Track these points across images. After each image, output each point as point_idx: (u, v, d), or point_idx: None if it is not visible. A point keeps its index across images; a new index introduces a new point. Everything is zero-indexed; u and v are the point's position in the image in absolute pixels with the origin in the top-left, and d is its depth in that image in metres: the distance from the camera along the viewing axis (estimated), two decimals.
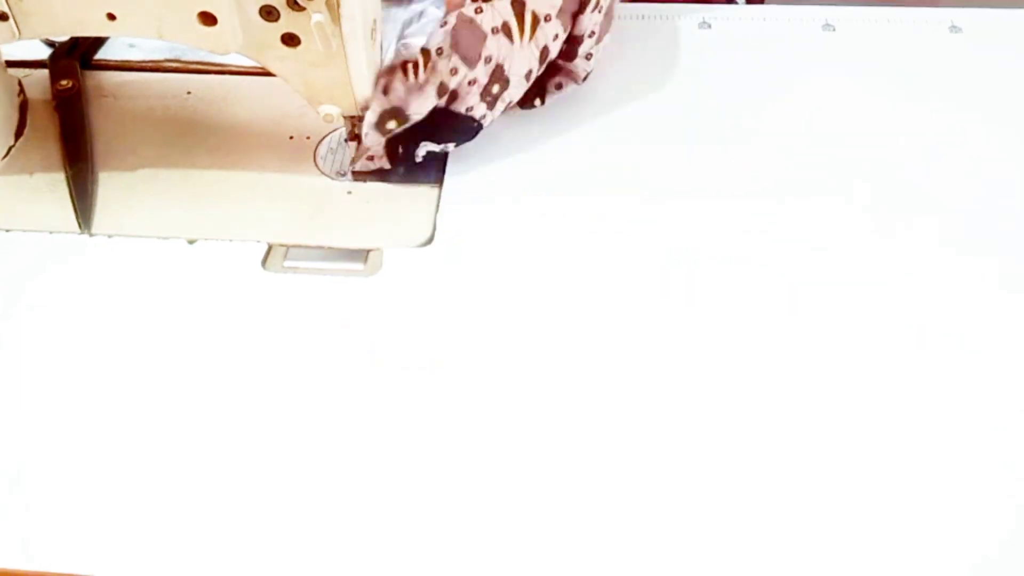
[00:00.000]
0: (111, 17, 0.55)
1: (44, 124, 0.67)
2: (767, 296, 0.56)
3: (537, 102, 0.66)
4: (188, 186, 0.63)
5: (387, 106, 0.59)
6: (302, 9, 0.54)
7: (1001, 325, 0.54)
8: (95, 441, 0.49)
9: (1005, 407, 0.51)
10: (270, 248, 0.59)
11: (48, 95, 0.69)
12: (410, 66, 0.59)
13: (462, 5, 0.60)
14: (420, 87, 0.59)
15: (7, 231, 0.60)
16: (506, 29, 0.60)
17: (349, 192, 0.63)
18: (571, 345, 0.53)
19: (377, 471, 0.48)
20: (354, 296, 0.56)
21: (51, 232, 0.60)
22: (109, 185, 0.63)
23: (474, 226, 0.60)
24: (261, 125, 0.67)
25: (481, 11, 0.60)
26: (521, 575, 0.45)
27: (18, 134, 0.66)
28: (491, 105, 0.62)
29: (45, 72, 0.70)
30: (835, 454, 0.49)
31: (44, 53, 0.72)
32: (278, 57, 0.57)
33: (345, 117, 0.60)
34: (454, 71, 0.59)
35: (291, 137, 0.66)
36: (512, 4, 0.60)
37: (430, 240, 0.59)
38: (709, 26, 0.75)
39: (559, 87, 0.66)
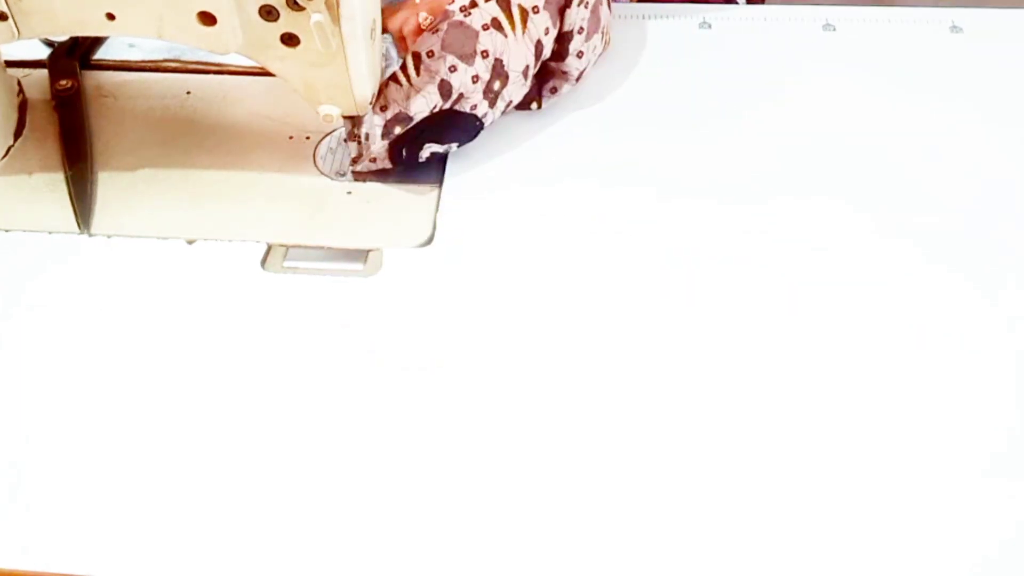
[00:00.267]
0: (111, 17, 0.55)
1: (43, 124, 0.67)
2: (767, 295, 0.56)
3: (534, 106, 0.67)
4: (188, 186, 0.63)
5: (389, 117, 0.60)
6: (302, 9, 0.54)
7: (1001, 325, 0.54)
8: (95, 441, 0.49)
9: (1005, 406, 0.50)
10: (270, 248, 0.59)
11: (47, 95, 0.69)
12: (399, 73, 0.60)
13: (444, 13, 0.61)
14: (417, 88, 0.60)
15: (7, 231, 0.60)
16: (496, 24, 0.61)
17: (349, 192, 0.63)
18: (571, 345, 0.53)
19: (377, 471, 0.48)
20: (354, 296, 0.56)
21: (51, 232, 0.60)
22: (108, 185, 0.63)
23: (474, 226, 0.60)
24: (261, 125, 0.67)
25: (469, 13, 0.61)
26: (521, 574, 0.45)
27: (17, 134, 0.66)
28: (492, 103, 0.63)
29: (44, 72, 0.70)
30: (835, 453, 0.49)
31: (44, 53, 0.72)
32: (278, 57, 0.57)
33: (345, 117, 0.60)
34: (453, 68, 0.60)
35: (291, 137, 0.66)
36: (497, 2, 0.61)
37: (430, 240, 0.59)
38: (709, 26, 0.75)
39: (554, 91, 0.67)
